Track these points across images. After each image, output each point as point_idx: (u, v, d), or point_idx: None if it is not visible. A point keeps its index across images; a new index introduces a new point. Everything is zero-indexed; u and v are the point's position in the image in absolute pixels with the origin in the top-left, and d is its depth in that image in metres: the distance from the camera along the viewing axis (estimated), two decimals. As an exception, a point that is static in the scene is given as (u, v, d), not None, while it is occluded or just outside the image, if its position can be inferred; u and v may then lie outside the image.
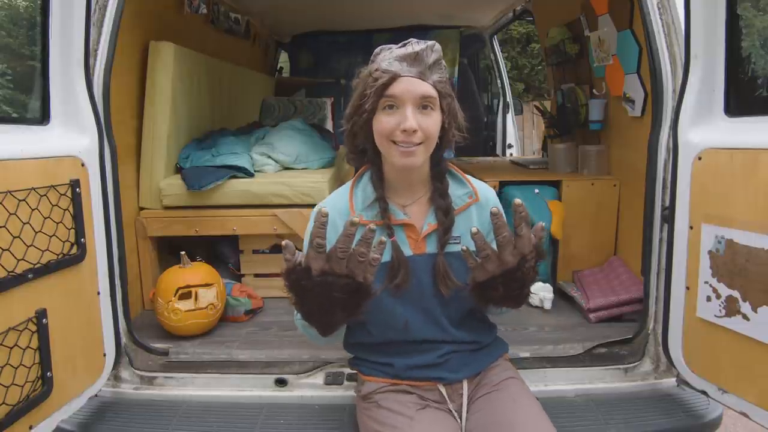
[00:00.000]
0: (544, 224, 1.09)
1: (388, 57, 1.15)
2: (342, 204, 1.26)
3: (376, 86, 1.12)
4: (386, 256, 1.20)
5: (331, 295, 1.02)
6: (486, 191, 1.30)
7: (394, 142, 1.13)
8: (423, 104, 1.13)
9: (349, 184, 1.30)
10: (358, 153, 1.26)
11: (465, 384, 1.28)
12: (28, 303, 1.31)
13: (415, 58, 1.13)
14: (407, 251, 1.22)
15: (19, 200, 1.28)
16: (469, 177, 1.32)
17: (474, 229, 1.05)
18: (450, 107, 1.18)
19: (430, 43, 1.16)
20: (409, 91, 1.11)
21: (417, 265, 1.22)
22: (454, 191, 1.26)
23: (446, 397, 1.27)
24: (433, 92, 1.13)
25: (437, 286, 1.22)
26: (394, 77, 1.11)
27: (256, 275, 2.35)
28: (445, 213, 1.21)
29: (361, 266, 1.00)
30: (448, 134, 1.21)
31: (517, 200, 1.04)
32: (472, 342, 1.30)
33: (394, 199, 1.25)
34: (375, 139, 1.18)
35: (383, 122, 1.14)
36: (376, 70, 1.14)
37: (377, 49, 1.20)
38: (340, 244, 0.99)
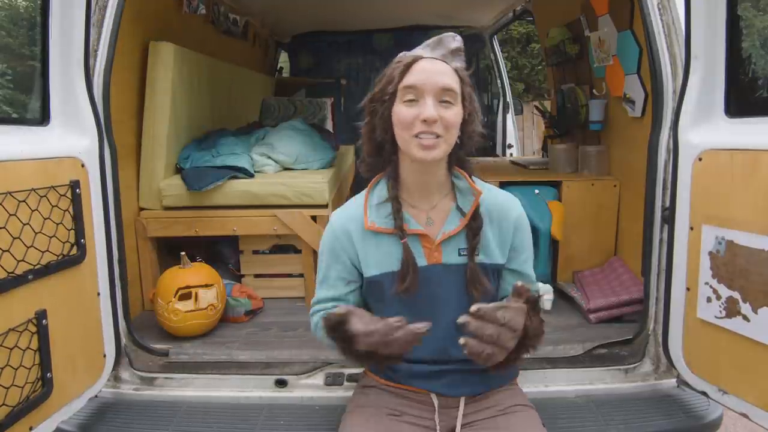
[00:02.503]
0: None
1: (413, 49, 1.20)
2: (357, 212, 1.25)
3: (399, 67, 1.14)
4: (396, 264, 1.19)
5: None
6: (481, 186, 1.28)
7: (415, 136, 1.12)
8: (443, 98, 1.12)
9: (364, 192, 1.29)
10: (375, 150, 1.23)
11: (462, 402, 1.25)
12: (28, 304, 1.31)
13: (438, 42, 1.17)
14: (422, 261, 1.20)
15: (19, 201, 1.28)
16: (462, 171, 1.28)
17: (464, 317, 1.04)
18: (470, 96, 1.18)
19: (453, 33, 1.20)
20: (430, 81, 1.11)
21: (431, 275, 1.20)
22: (462, 187, 1.25)
23: (437, 409, 1.24)
24: (453, 84, 1.13)
25: (450, 296, 1.20)
26: (416, 58, 1.14)
27: (257, 276, 2.35)
28: (474, 233, 1.21)
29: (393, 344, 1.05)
30: (469, 128, 1.19)
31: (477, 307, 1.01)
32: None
33: (411, 204, 1.23)
34: (394, 132, 1.16)
35: (403, 113, 1.12)
36: (401, 55, 1.18)
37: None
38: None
